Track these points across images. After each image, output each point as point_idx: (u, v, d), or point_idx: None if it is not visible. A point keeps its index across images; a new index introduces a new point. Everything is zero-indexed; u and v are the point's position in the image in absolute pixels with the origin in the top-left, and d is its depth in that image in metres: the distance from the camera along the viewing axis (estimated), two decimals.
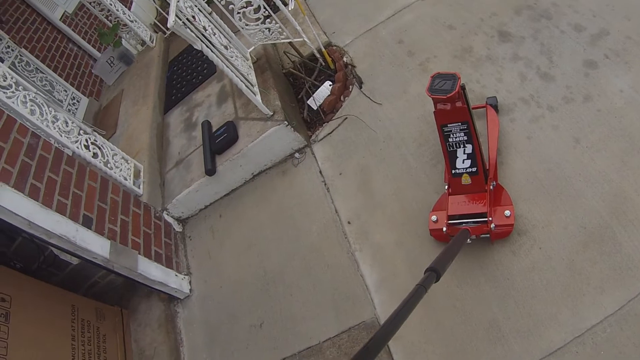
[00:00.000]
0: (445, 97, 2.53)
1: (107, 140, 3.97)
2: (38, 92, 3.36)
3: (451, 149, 2.83)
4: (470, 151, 2.80)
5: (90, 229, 3.23)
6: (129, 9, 6.08)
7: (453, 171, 2.89)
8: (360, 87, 4.17)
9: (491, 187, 2.89)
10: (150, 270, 3.50)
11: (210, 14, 3.90)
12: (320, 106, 4.17)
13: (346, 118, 4.02)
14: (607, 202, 2.79)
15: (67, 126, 3.49)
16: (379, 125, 3.83)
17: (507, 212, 2.81)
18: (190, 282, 3.79)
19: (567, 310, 2.56)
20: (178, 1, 3.29)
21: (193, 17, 3.44)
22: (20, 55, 5.17)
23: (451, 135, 2.78)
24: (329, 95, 4.17)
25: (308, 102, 4.25)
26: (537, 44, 3.68)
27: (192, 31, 3.30)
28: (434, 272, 1.94)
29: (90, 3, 5.48)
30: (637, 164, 2.87)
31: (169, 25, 3.07)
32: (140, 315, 3.70)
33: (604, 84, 3.28)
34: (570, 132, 3.16)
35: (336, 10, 5.03)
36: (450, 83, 2.54)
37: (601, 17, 3.60)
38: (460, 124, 2.71)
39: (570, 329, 2.50)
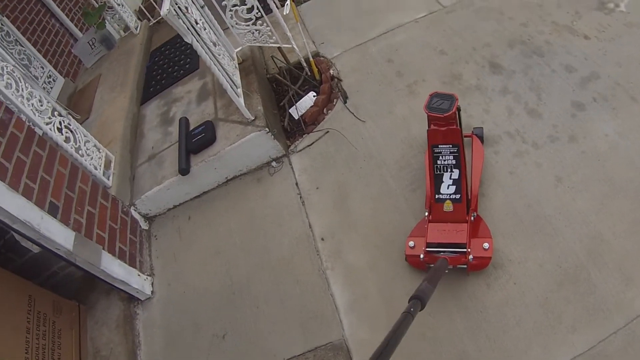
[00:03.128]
0: (442, 115, 2.55)
1: (80, 125, 3.81)
2: (16, 65, 3.19)
3: (438, 172, 2.82)
4: (457, 177, 2.79)
5: (56, 218, 3.05)
6: None
7: (437, 196, 2.86)
8: (345, 102, 4.12)
9: (472, 218, 2.87)
10: (113, 268, 3.34)
11: (202, 7, 3.81)
12: (302, 116, 4.09)
13: (328, 131, 3.96)
14: (584, 243, 2.81)
15: (41, 105, 3.32)
16: (361, 143, 3.78)
17: (486, 245, 2.78)
18: (152, 284, 3.64)
19: (538, 347, 2.55)
20: None
21: (186, 8, 3.34)
22: (2, 24, 4.95)
23: (440, 157, 2.77)
24: (312, 106, 4.10)
25: (290, 110, 4.17)
26: (527, 79, 3.70)
27: (183, 22, 3.20)
28: (419, 300, 1.91)
29: None
30: (616, 209, 2.90)
31: (162, 14, 2.97)
32: (98, 312, 3.53)
33: (590, 126, 3.32)
34: (553, 171, 3.17)
35: (327, 21, 5.00)
36: (448, 103, 2.57)
37: (593, 60, 3.64)
38: (451, 146, 2.71)
39: None
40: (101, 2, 5.48)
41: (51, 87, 5.34)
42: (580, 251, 2.79)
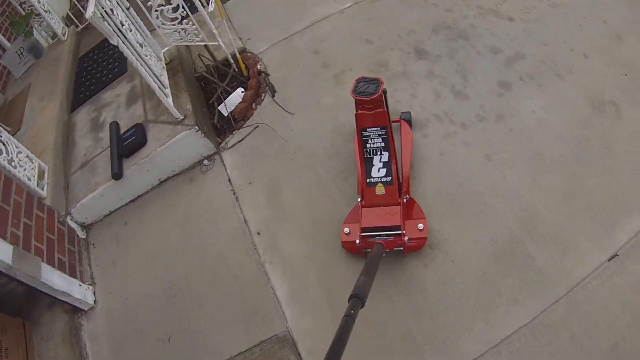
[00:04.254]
0: (368, 98, 2.59)
1: (12, 136, 3.70)
2: None
3: (368, 155, 2.86)
4: (386, 159, 2.83)
5: None
6: None
7: (368, 180, 2.90)
8: (273, 96, 4.12)
9: (404, 200, 2.91)
10: (54, 279, 3.25)
11: (128, 9, 3.74)
12: (231, 113, 4.07)
13: (257, 126, 3.95)
14: (518, 217, 2.89)
15: None
16: (291, 135, 3.79)
17: (420, 225, 2.83)
18: (94, 293, 3.55)
19: (481, 321, 2.61)
20: None
21: (111, 10, 3.28)
22: None
23: (369, 141, 2.81)
24: (240, 102, 4.09)
25: (219, 108, 4.14)
26: (453, 62, 3.76)
27: (109, 25, 3.14)
28: (358, 299, 1.91)
29: None
30: (546, 182, 2.99)
31: (87, 16, 2.90)
32: (43, 328, 3.42)
33: (517, 104, 3.40)
34: (482, 149, 3.24)
35: (253, 16, 4.98)
36: (374, 86, 2.61)
37: (518, 41, 3.73)
38: (379, 128, 2.75)
39: (485, 339, 2.56)
40: (28, 10, 5.31)
41: None
42: (515, 225, 2.87)
